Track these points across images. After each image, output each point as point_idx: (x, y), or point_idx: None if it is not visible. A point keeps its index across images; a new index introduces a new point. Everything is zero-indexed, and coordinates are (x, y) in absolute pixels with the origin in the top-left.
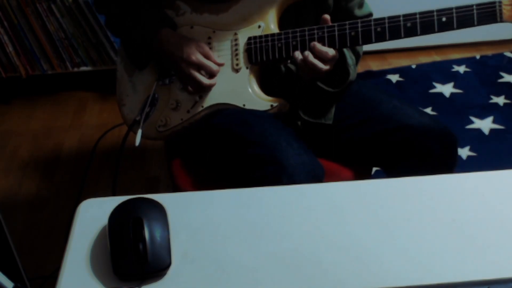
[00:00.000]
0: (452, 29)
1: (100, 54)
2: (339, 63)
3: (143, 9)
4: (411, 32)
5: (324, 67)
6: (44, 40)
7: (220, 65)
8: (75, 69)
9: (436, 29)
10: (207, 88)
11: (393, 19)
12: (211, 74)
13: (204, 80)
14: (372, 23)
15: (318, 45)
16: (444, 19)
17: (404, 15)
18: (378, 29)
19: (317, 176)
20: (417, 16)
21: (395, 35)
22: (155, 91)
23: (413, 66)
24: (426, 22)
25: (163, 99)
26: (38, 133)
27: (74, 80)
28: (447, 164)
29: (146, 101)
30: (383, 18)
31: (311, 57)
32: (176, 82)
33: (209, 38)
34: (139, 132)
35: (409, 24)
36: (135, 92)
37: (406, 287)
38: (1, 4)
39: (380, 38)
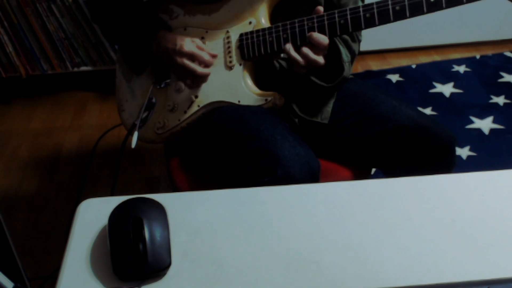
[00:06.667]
0: (441, 8)
1: (100, 54)
2: (335, 58)
3: (138, 14)
4: (400, 15)
5: (322, 61)
6: (44, 40)
7: (213, 56)
8: (75, 69)
9: (425, 10)
10: (202, 78)
11: (382, 4)
12: (204, 64)
13: (198, 68)
14: (361, 9)
15: (315, 34)
16: None
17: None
18: (367, 15)
19: (312, 169)
20: None
21: (384, 20)
22: (153, 94)
23: (413, 66)
24: (415, 4)
25: (161, 102)
26: (38, 133)
27: (74, 80)
28: (446, 164)
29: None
30: (371, 4)
31: (311, 54)
32: (172, 84)
33: (202, 38)
34: (135, 134)
35: (397, 7)
36: (133, 97)
37: (406, 287)
38: (1, 4)
39: (370, 23)
